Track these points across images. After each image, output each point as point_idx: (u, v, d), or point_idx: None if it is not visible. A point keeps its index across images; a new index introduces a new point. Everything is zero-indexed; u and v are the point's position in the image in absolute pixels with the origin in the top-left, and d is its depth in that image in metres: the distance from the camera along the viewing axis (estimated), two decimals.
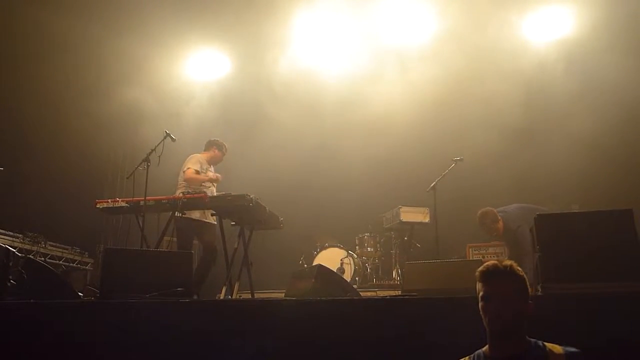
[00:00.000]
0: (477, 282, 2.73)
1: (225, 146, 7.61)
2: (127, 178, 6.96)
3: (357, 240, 9.06)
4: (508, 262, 2.70)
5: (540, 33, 8.97)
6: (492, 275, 2.68)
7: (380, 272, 8.89)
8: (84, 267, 9.00)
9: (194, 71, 10.08)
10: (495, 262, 2.72)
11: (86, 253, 9.09)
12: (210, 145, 7.56)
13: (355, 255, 8.75)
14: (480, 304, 2.68)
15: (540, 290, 3.92)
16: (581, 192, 8.06)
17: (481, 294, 2.69)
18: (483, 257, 7.83)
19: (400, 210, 8.44)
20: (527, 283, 2.72)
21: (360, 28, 9.15)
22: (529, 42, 9.03)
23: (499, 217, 7.22)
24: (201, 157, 7.34)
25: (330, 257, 8.51)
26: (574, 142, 8.33)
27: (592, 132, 8.10)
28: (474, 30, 8.60)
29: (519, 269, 2.70)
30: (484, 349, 2.70)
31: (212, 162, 7.50)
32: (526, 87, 8.67)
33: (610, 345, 3.48)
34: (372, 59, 9.27)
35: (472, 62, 8.64)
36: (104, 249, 5.82)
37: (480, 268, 2.73)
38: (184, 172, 7.09)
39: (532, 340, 2.62)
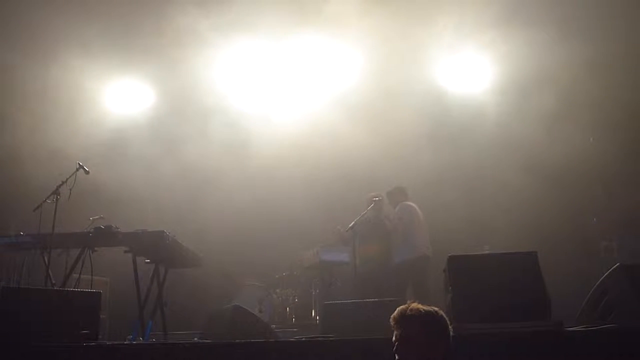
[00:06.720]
0: None
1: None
2: (34, 211, 6.51)
3: (277, 279, 8.94)
4: (414, 307, 2.75)
5: (455, 80, 9.38)
6: (397, 321, 2.74)
7: (299, 311, 8.78)
8: None
9: (111, 102, 9.75)
10: (402, 307, 2.78)
11: None
12: None
13: (274, 295, 8.63)
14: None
15: (451, 330, 4.01)
16: (493, 234, 8.39)
17: (393, 339, 2.73)
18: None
19: (320, 249, 8.43)
20: (441, 324, 2.76)
21: (275, 69, 9.23)
22: (441, 88, 9.41)
23: None
24: None
25: (250, 296, 8.33)
26: (490, 186, 8.76)
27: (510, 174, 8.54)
28: (386, 73, 8.89)
29: (428, 312, 2.75)
30: None
31: None
32: (437, 129, 9.13)
33: None
34: (299, 98, 9.40)
35: (383, 104, 8.86)
36: (1, 288, 5.38)
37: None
38: None
39: None
